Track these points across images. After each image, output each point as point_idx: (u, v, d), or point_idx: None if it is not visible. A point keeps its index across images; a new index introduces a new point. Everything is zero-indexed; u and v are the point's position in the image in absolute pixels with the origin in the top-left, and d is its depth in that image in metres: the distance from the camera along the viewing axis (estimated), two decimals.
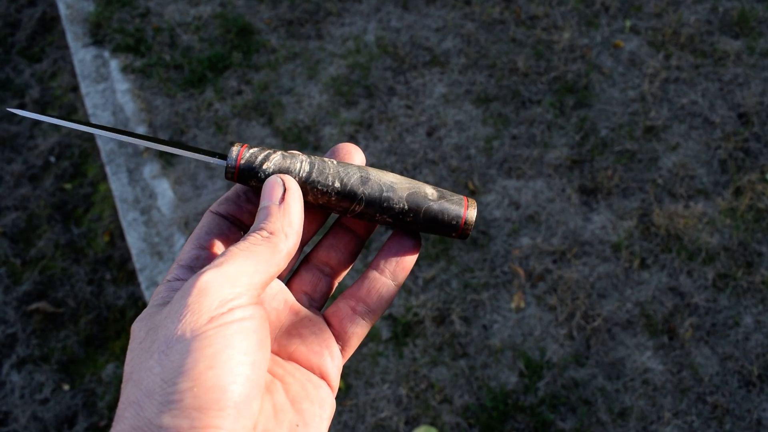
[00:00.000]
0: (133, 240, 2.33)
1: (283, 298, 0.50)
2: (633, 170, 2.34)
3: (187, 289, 0.39)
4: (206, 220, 0.49)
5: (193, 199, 2.41)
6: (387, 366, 1.99)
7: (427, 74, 2.69)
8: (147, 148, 2.55)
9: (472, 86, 2.63)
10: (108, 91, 2.77)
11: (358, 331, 0.50)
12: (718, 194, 2.26)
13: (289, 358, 0.48)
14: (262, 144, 2.53)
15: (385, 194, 0.49)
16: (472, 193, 2.32)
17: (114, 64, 2.85)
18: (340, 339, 0.50)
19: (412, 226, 0.50)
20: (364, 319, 0.50)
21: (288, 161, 0.48)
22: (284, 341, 0.48)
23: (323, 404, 0.46)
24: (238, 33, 2.90)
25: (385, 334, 2.05)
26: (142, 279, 2.23)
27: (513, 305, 2.07)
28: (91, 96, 2.76)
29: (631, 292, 2.07)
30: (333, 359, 0.49)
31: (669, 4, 2.81)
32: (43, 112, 0.55)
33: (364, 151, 2.48)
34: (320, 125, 2.56)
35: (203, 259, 0.47)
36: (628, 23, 2.77)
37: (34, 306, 2.26)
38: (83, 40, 2.96)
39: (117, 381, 2.09)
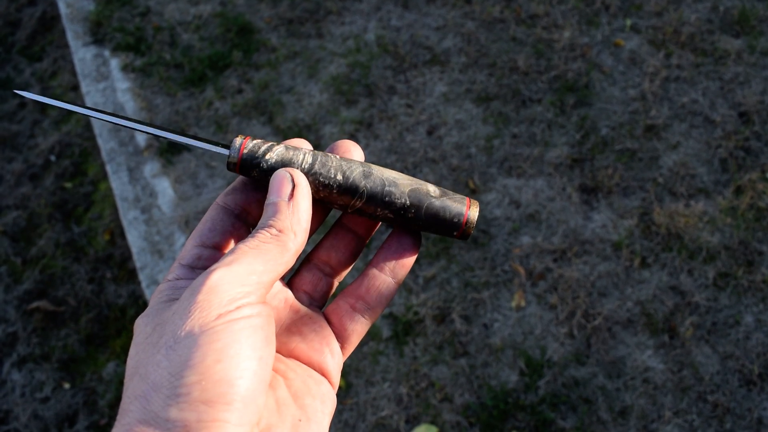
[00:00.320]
0: (134, 238, 2.33)
1: (283, 296, 0.50)
2: (633, 169, 2.34)
3: (197, 286, 0.40)
4: (211, 214, 0.48)
5: (193, 198, 2.41)
6: (387, 365, 1.99)
7: (427, 73, 2.69)
8: (147, 148, 2.55)
9: (473, 85, 2.63)
10: (108, 90, 2.77)
11: (358, 329, 0.50)
12: (718, 193, 2.26)
13: (291, 355, 0.48)
14: None
15: (387, 189, 0.48)
16: (472, 192, 2.32)
17: (114, 63, 2.85)
18: (340, 336, 0.50)
19: (414, 222, 0.49)
20: (363, 317, 0.50)
21: (291, 153, 0.48)
22: (285, 339, 0.48)
23: (324, 400, 0.47)
24: (239, 32, 2.90)
25: (386, 332, 2.05)
26: (143, 277, 2.23)
27: (513, 304, 2.08)
28: (91, 95, 2.76)
29: (632, 291, 2.07)
30: (333, 356, 0.49)
31: (670, 3, 2.81)
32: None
33: (364, 149, 2.48)
34: (320, 124, 2.56)
35: (205, 259, 0.47)
36: (628, 22, 2.77)
37: (34, 305, 2.26)
38: (83, 39, 2.96)
39: (118, 379, 2.09)
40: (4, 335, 2.21)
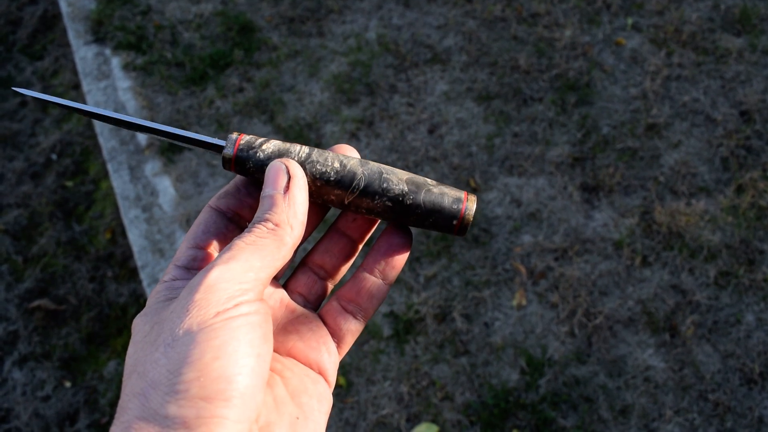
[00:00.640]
0: (135, 237, 2.33)
1: (279, 297, 0.50)
2: (635, 168, 2.34)
3: (195, 285, 0.40)
4: (204, 216, 0.48)
5: (194, 197, 2.41)
6: (388, 363, 1.99)
7: (428, 72, 2.69)
8: (148, 147, 2.55)
9: (474, 84, 2.63)
10: (109, 89, 2.77)
11: (353, 328, 0.50)
12: (719, 192, 2.26)
13: (288, 354, 0.48)
14: None
15: (384, 175, 0.48)
16: (473, 191, 2.32)
17: (115, 62, 2.85)
18: (335, 336, 0.50)
19: (412, 212, 0.48)
20: (356, 318, 0.50)
21: (287, 145, 0.48)
22: (282, 338, 0.48)
23: (321, 399, 0.47)
24: (240, 30, 2.90)
25: (387, 331, 2.05)
26: (144, 276, 2.23)
27: (514, 303, 2.07)
28: (92, 93, 2.76)
29: (633, 290, 2.07)
30: (330, 355, 0.49)
31: (671, 2, 2.81)
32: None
33: (365, 148, 2.48)
34: (321, 123, 2.56)
35: (200, 260, 0.47)
36: (629, 21, 2.77)
37: (35, 303, 2.27)
38: (85, 37, 2.96)
39: (118, 378, 2.09)
40: (5, 334, 2.21)
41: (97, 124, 2.68)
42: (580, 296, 2.06)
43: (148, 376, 0.37)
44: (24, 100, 2.87)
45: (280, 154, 0.47)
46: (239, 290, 0.40)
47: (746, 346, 1.95)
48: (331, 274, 0.52)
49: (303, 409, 0.45)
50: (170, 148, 2.53)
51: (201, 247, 0.47)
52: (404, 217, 0.49)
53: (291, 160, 0.47)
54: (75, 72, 2.90)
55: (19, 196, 2.56)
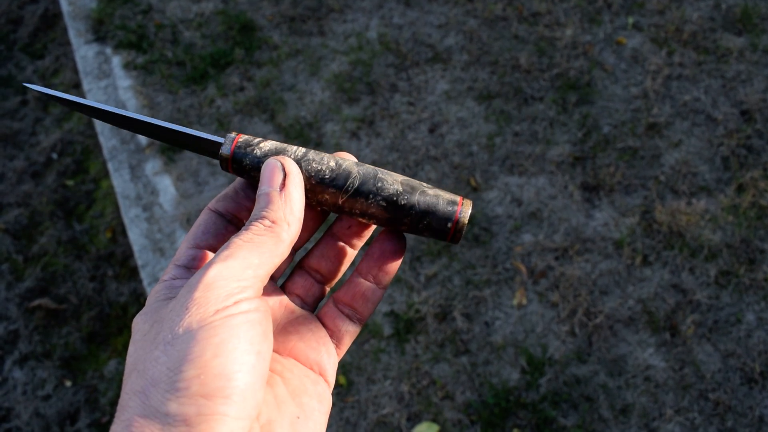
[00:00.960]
0: (135, 236, 2.33)
1: (278, 298, 0.50)
2: (635, 167, 2.34)
3: (194, 283, 0.40)
4: (203, 218, 0.49)
5: (195, 196, 2.41)
6: (389, 362, 1.99)
7: (429, 71, 2.69)
8: (149, 146, 2.55)
9: (475, 83, 2.63)
10: (110, 88, 2.77)
11: (350, 330, 0.51)
12: (720, 191, 2.26)
13: (288, 354, 0.49)
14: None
15: (379, 176, 0.48)
16: (474, 190, 2.32)
17: (116, 61, 2.85)
18: (334, 337, 0.51)
19: (406, 212, 0.48)
20: (353, 321, 0.51)
21: (284, 145, 0.48)
22: (282, 338, 0.49)
23: (321, 399, 0.47)
24: (240, 30, 2.90)
25: (387, 330, 2.05)
26: (144, 275, 2.23)
27: (515, 302, 2.07)
28: (93, 92, 2.76)
29: (633, 289, 2.07)
30: (329, 356, 0.49)
31: (672, 1, 2.81)
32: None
33: (366, 147, 2.48)
34: (322, 122, 2.56)
35: (200, 259, 0.47)
36: (630, 20, 2.76)
37: (36, 302, 2.27)
38: (85, 36, 2.96)
39: (119, 377, 2.10)
40: (5, 333, 2.22)
41: (98, 123, 2.68)
42: (581, 295, 2.06)
43: (148, 374, 0.37)
44: (25, 99, 2.87)
45: (276, 153, 0.48)
46: (238, 288, 0.40)
47: (747, 345, 1.95)
48: (328, 278, 0.53)
49: (303, 409, 0.45)
50: (170, 148, 2.53)
51: (200, 247, 0.48)
52: (398, 220, 0.49)
53: (287, 158, 0.47)
54: (76, 71, 2.90)
55: (20, 195, 2.56)
